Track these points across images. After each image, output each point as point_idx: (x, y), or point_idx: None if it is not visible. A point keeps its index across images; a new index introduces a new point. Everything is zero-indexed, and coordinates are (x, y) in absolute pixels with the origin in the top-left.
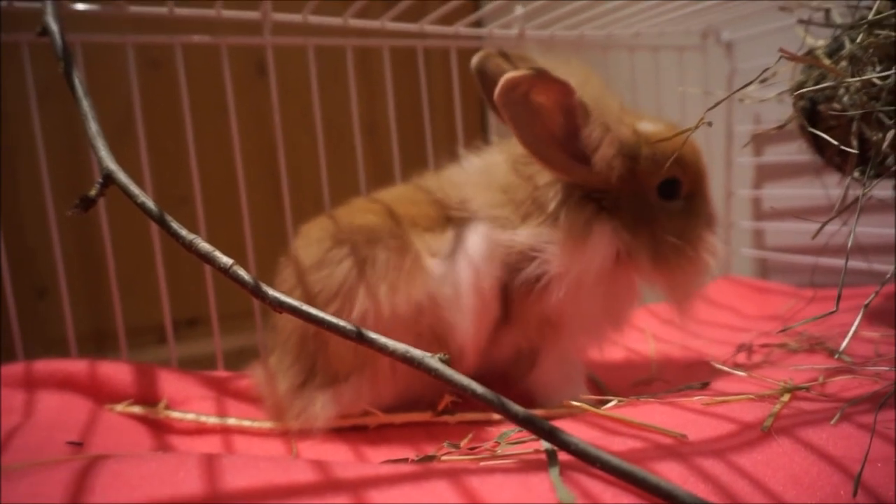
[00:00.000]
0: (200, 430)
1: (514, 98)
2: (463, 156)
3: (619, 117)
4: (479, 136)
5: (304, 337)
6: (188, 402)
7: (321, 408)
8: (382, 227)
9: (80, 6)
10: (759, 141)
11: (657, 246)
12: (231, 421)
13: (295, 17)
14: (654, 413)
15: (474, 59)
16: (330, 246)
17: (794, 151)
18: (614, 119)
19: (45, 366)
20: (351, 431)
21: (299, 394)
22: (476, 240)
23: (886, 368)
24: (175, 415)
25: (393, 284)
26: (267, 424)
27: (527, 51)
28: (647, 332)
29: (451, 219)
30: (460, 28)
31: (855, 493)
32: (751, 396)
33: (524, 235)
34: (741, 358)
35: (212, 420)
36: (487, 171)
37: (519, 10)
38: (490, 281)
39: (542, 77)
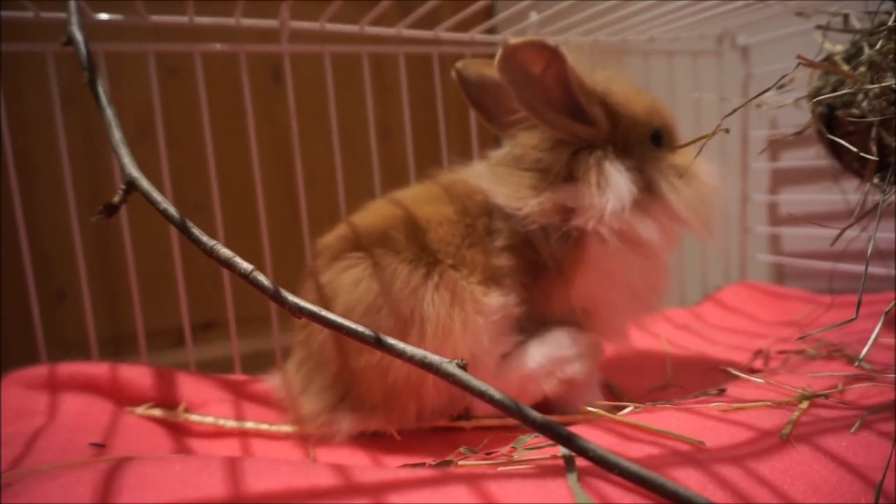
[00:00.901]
0: (219, 434)
1: (513, 65)
2: (471, 163)
3: (609, 78)
4: (491, 140)
5: (343, 367)
6: (206, 405)
7: (346, 425)
8: (421, 261)
9: (103, 16)
10: (775, 146)
11: (666, 179)
12: (249, 424)
13: (312, 25)
14: (670, 419)
15: (455, 66)
16: (375, 296)
17: (811, 156)
18: (606, 79)
19: (68, 368)
20: (367, 436)
21: (328, 413)
22: (536, 354)
23: None
24: (194, 418)
25: (442, 342)
26: (285, 428)
27: None
28: (662, 337)
29: (476, 224)
30: (475, 35)
31: (876, 502)
32: (769, 403)
33: (548, 195)
34: (758, 364)
35: (230, 423)
36: (495, 171)
37: (533, 16)
38: (537, 390)
39: (536, 44)
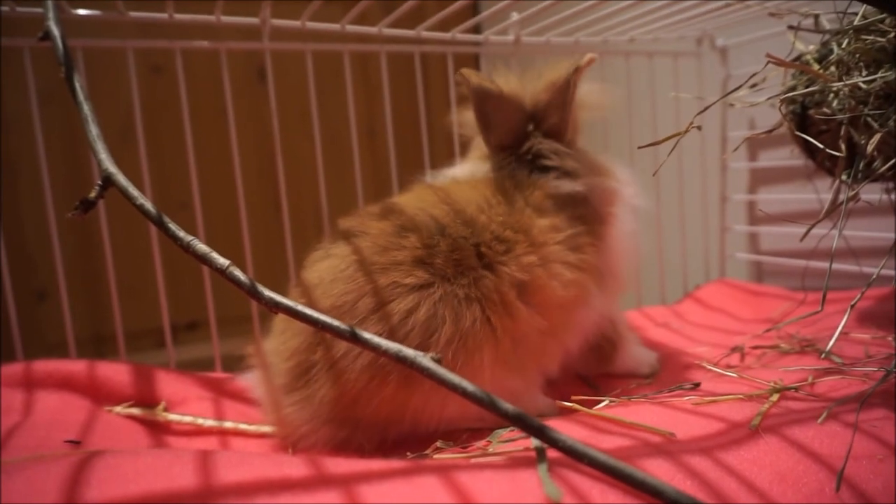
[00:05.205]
0: (198, 432)
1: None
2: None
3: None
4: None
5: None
6: (186, 403)
7: (327, 436)
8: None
9: (82, 11)
10: (754, 145)
11: None
12: (228, 424)
13: (293, 23)
14: (644, 413)
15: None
16: None
17: (788, 156)
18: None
19: (45, 366)
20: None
21: (312, 423)
22: None
23: (875, 369)
24: (173, 417)
25: None
26: (264, 428)
27: (523, 57)
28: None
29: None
30: (457, 34)
31: (838, 488)
32: (740, 396)
33: (567, 184)
34: (734, 359)
35: (209, 423)
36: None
37: (514, 16)
38: None
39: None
